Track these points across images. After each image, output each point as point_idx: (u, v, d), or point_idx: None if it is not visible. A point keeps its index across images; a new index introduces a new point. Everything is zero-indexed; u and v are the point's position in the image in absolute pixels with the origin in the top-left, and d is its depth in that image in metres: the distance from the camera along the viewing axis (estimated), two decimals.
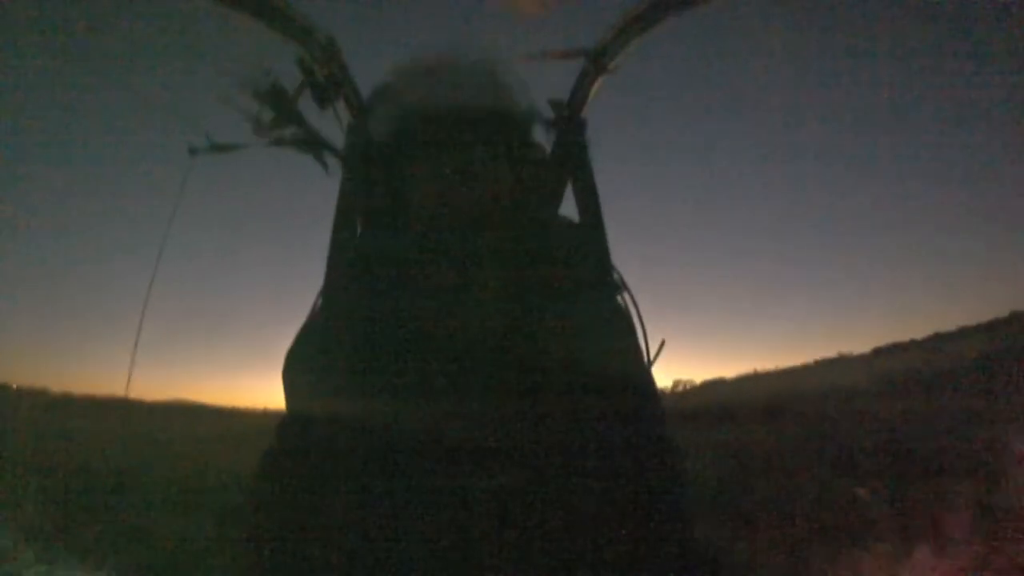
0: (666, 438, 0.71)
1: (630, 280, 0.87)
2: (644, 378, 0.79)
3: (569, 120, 1.00)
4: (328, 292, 0.85)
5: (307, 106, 1.02)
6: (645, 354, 0.81)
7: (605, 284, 0.85)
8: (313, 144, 0.96)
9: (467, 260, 0.67)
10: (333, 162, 0.94)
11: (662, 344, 0.82)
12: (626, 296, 0.85)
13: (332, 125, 1.01)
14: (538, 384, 0.67)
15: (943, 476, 3.46)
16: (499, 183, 0.69)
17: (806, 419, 6.17)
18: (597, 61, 1.00)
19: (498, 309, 0.70)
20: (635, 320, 0.82)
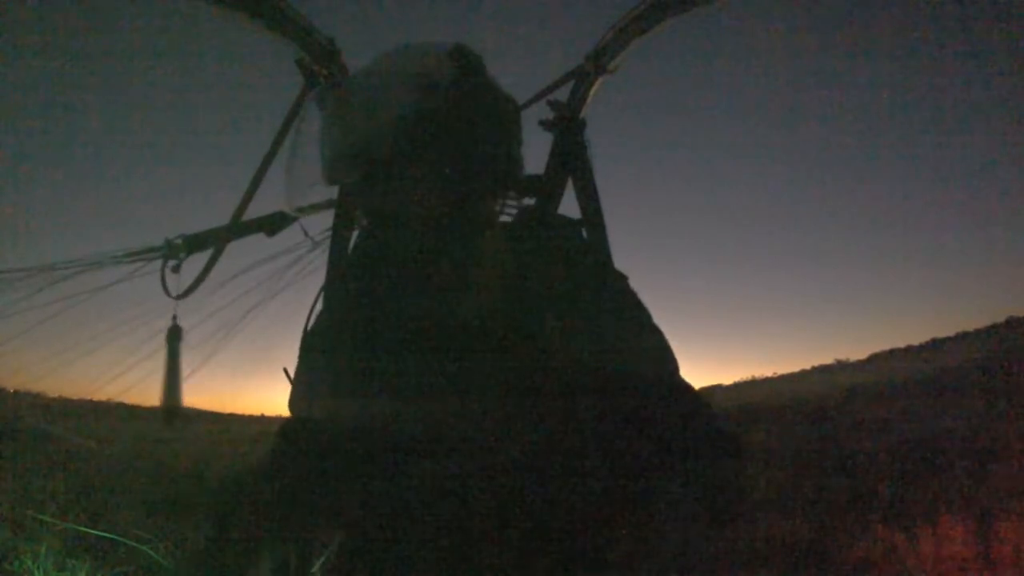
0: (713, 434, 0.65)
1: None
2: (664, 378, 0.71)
3: (569, 120, 1.00)
4: (328, 292, 0.85)
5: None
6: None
7: (608, 283, 0.85)
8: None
9: (467, 260, 0.67)
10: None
11: None
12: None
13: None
14: (538, 383, 0.67)
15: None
16: (498, 182, 0.68)
17: (805, 419, 6.18)
18: (597, 61, 1.00)
19: (498, 309, 0.70)
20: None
